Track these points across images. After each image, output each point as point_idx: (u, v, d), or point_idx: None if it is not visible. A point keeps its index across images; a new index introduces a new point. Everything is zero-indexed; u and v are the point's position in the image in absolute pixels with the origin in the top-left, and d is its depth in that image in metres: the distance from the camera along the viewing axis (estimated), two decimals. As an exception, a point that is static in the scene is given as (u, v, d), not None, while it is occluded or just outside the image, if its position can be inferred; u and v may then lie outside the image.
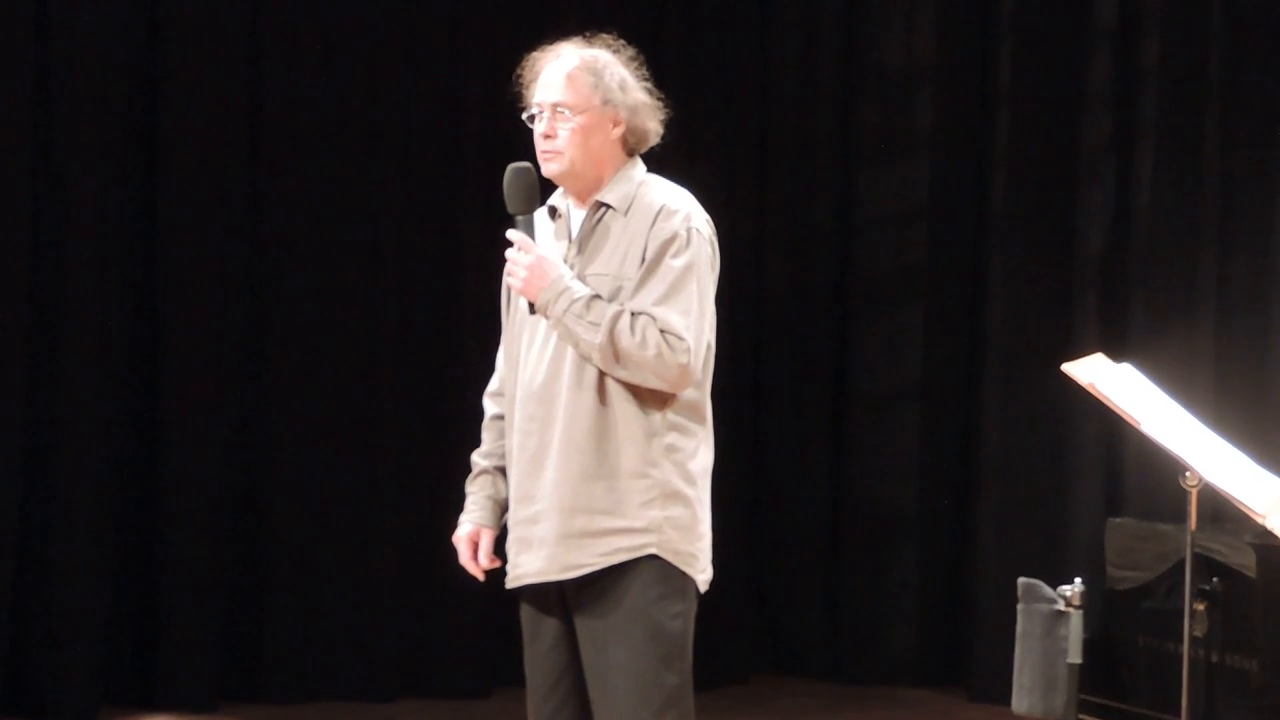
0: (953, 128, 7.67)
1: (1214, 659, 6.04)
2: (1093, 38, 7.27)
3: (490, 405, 4.20)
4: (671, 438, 3.92)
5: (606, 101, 3.96)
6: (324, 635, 6.95)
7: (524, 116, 4.02)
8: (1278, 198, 6.82)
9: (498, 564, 4.08)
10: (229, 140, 6.83)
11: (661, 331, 3.83)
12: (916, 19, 7.71)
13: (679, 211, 3.94)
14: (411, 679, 7.07)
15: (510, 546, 4.04)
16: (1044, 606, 4.76)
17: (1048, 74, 7.37)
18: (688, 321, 3.86)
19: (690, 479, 3.96)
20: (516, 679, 4.18)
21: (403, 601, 7.06)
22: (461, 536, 4.13)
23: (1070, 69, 7.30)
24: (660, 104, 4.06)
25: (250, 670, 6.87)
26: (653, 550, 3.89)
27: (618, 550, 3.89)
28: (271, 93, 6.92)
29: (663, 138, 4.09)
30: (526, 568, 3.99)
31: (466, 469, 4.20)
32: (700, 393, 3.98)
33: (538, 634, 4.04)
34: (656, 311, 3.85)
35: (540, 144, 3.98)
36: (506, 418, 4.07)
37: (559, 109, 3.95)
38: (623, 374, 3.86)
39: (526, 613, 4.06)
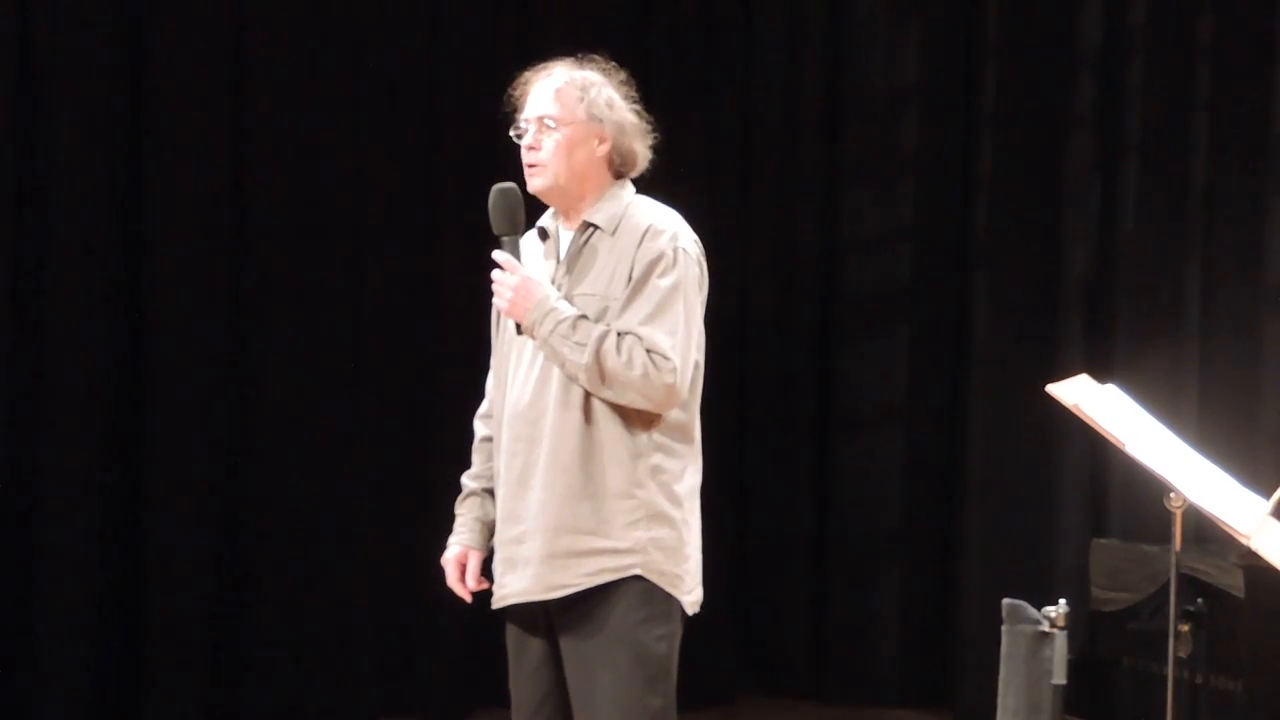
0: (937, 149, 7.68)
1: (1198, 680, 6.04)
2: (1078, 58, 7.28)
3: (480, 427, 4.21)
4: (657, 459, 3.92)
5: (592, 117, 3.97)
6: (303, 657, 6.92)
7: (511, 133, 4.03)
8: (1263, 218, 6.83)
9: (485, 586, 4.08)
10: (212, 155, 6.81)
11: (648, 351, 3.83)
12: (901, 40, 7.72)
13: (666, 231, 3.94)
14: (390, 700, 7.05)
15: (496, 567, 4.05)
16: (1028, 627, 4.75)
17: (1033, 94, 7.37)
18: (674, 341, 3.86)
19: (676, 500, 3.95)
20: (494, 700, 4.19)
21: (381, 623, 7.04)
22: (449, 559, 4.13)
23: (1055, 89, 7.31)
24: (650, 129, 4.07)
25: (231, 693, 6.84)
26: (637, 571, 3.89)
27: (602, 570, 3.89)
28: (254, 110, 6.90)
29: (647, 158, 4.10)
30: (512, 588, 3.99)
31: (446, 488, 4.20)
32: (688, 414, 3.98)
33: (523, 654, 4.04)
34: (643, 331, 3.85)
35: (525, 157, 3.99)
36: (495, 439, 4.07)
37: (544, 121, 3.97)
38: (609, 394, 3.85)
39: (512, 633, 4.06)
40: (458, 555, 4.12)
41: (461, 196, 7.02)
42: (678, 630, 3.97)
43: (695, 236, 4.01)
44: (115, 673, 6.70)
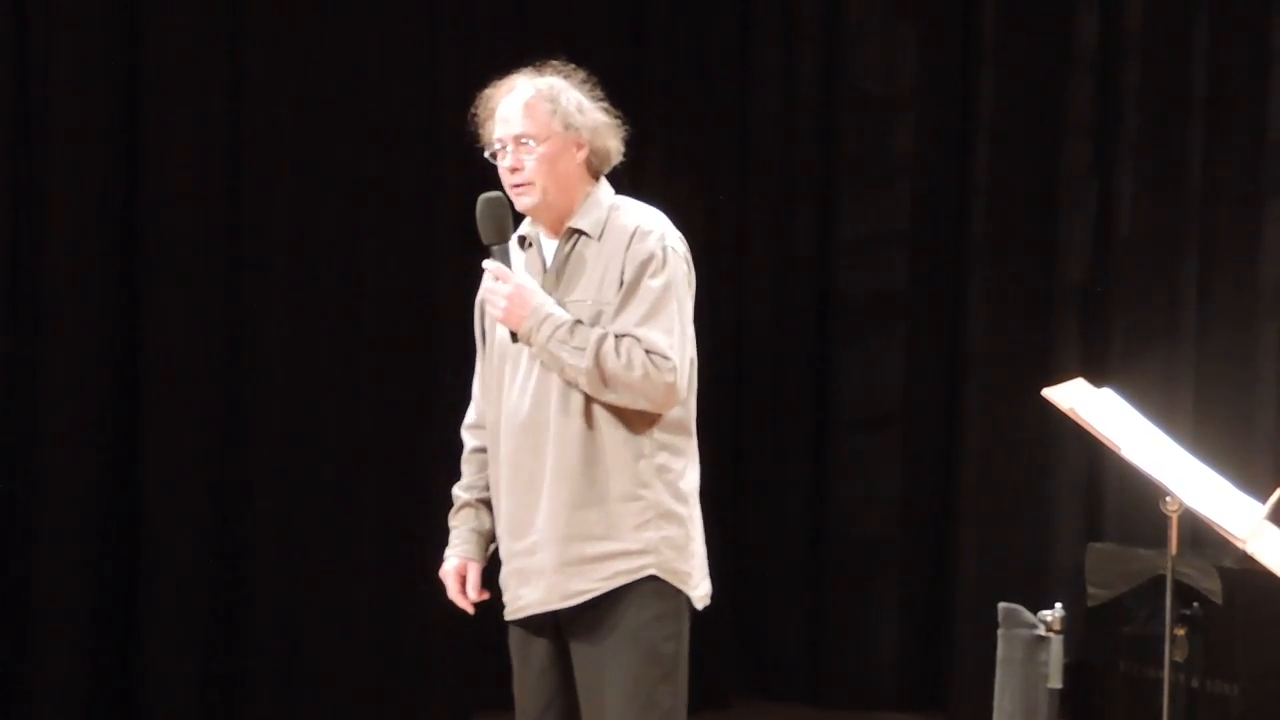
0: (933, 152, 7.67)
1: (1194, 684, 6.03)
2: (1074, 61, 7.28)
3: (469, 438, 4.20)
4: (662, 458, 3.94)
5: (567, 126, 3.97)
6: (300, 664, 6.90)
7: (486, 155, 4.02)
8: (1259, 221, 6.83)
9: (486, 597, 4.08)
10: (209, 159, 6.79)
11: (647, 352, 3.85)
12: (897, 43, 7.72)
13: (653, 232, 3.95)
14: (387, 706, 7.04)
15: (509, 579, 4.03)
16: (1025, 631, 4.75)
17: (1028, 98, 7.37)
18: (671, 340, 3.87)
19: (682, 498, 3.98)
20: (494, 704, 4.17)
21: (380, 625, 7.03)
22: (449, 571, 4.12)
23: (1051, 93, 7.30)
24: (619, 122, 4.07)
25: (228, 703, 6.82)
26: (651, 571, 3.92)
27: (617, 574, 3.92)
28: (251, 113, 6.89)
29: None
30: (528, 599, 3.99)
31: (443, 498, 4.18)
32: (685, 410, 4.00)
33: (528, 658, 4.04)
34: (639, 332, 3.86)
35: (508, 179, 3.98)
36: (490, 450, 4.06)
37: (522, 140, 3.96)
38: (610, 397, 3.86)
39: (516, 636, 4.07)
40: (457, 567, 4.12)
41: (457, 206, 7.01)
42: (686, 627, 4.00)
43: (680, 235, 4.02)
44: (112, 674, 6.68)
